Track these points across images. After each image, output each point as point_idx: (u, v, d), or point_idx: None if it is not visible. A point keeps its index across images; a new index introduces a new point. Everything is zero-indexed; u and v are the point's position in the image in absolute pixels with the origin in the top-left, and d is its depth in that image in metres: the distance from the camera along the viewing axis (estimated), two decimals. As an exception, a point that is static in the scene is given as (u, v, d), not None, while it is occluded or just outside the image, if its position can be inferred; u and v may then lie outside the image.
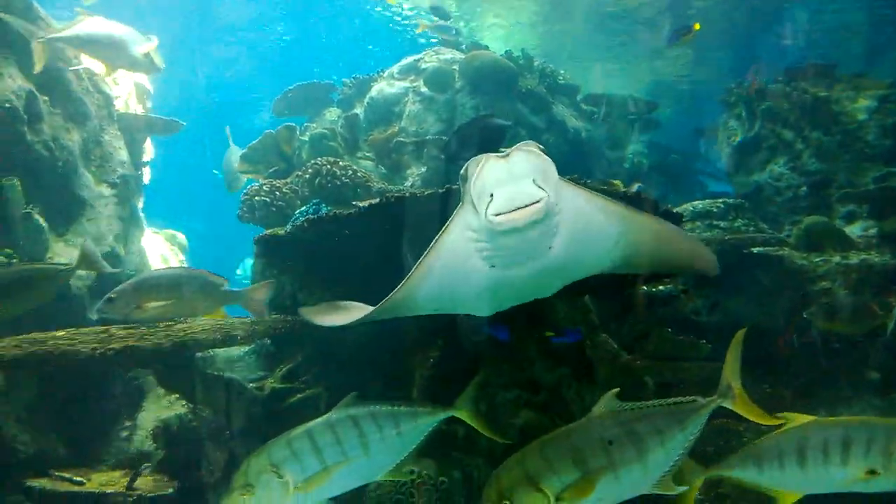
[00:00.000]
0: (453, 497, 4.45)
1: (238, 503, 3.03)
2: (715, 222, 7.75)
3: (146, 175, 10.20)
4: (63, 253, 6.63)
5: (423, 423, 3.47)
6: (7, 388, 5.51)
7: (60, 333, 3.93)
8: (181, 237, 11.62)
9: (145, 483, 5.47)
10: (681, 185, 13.00)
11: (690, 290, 6.49)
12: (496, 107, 8.70)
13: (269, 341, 6.32)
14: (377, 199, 3.81)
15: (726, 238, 6.97)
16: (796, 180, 9.04)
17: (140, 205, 9.55)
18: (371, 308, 3.13)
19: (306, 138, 8.62)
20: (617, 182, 5.63)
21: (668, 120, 15.23)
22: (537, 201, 2.18)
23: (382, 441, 3.30)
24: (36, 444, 5.88)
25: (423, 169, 7.69)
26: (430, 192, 3.84)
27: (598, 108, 10.73)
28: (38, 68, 6.21)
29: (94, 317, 5.49)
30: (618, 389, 3.19)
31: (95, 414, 6.76)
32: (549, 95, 9.70)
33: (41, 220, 6.08)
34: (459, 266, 2.49)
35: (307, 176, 6.77)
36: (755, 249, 7.04)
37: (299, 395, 5.26)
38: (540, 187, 2.19)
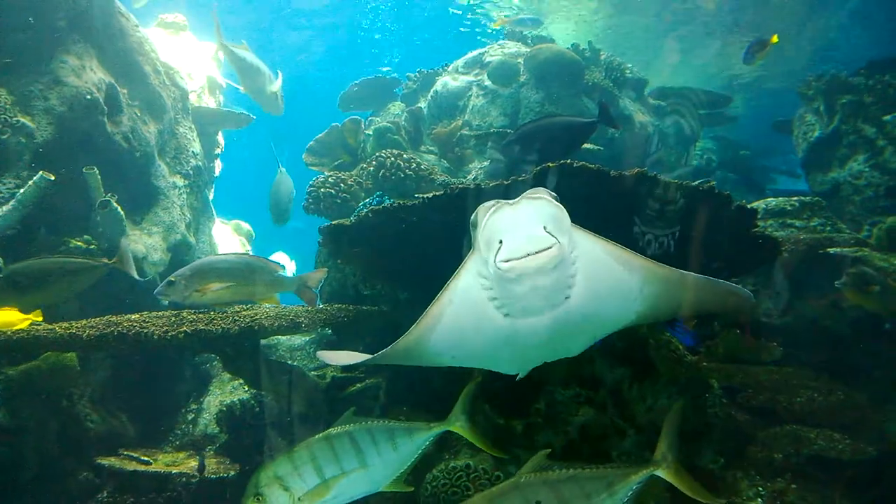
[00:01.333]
0: (508, 492, 4.39)
1: None
2: (789, 221, 7.40)
3: (217, 167, 10.56)
4: (139, 240, 6.91)
5: (418, 437, 3.60)
6: (82, 369, 5.79)
7: (134, 317, 4.10)
8: (247, 227, 11.97)
9: (209, 464, 5.65)
10: (752, 183, 12.50)
11: (761, 291, 6.21)
12: (561, 101, 8.56)
13: (329, 331, 6.43)
14: (442, 191, 3.79)
15: (801, 238, 6.64)
16: (877, 178, 8.54)
17: (211, 195, 9.89)
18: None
19: (371, 132, 8.71)
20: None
21: (743, 115, 14.65)
22: (548, 248, 2.11)
23: (378, 455, 3.47)
24: (106, 423, 6.17)
25: (486, 163, 7.64)
26: (494, 183, 3.79)
27: (667, 102, 10.41)
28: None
29: (165, 301, 5.73)
30: (548, 451, 3.25)
31: (163, 397, 7.05)
32: (616, 89, 9.47)
33: (119, 209, 6.33)
34: (472, 313, 2.42)
35: (371, 168, 6.84)
36: (832, 250, 6.67)
37: (359, 385, 5.32)
38: (551, 234, 2.12)
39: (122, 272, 4.98)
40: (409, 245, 4.49)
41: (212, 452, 6.07)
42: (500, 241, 2.12)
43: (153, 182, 7.54)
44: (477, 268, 2.31)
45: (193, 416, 6.95)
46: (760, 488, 4.63)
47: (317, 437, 3.46)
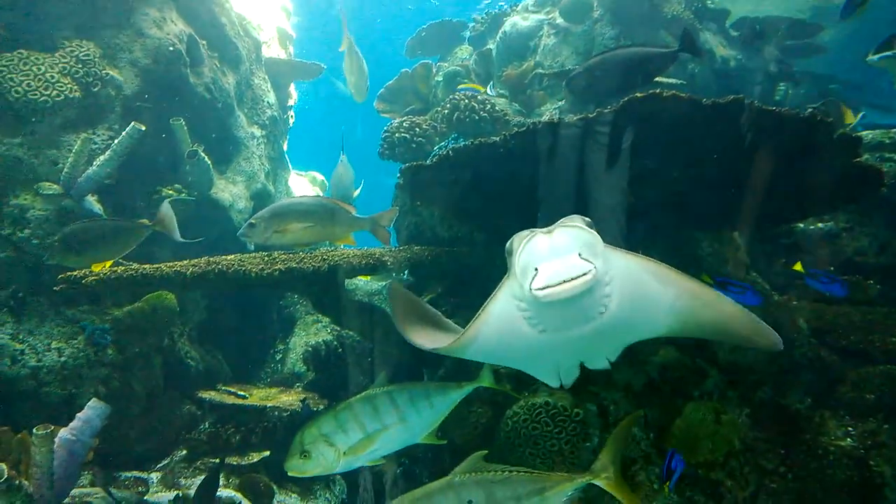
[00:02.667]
0: (588, 428, 4.46)
1: (298, 465, 3.50)
2: (888, 155, 6.93)
3: (290, 118, 10.76)
4: (225, 189, 7.19)
5: (452, 394, 3.88)
6: (182, 310, 6.17)
7: (231, 257, 4.31)
8: (321, 178, 12.22)
9: (296, 399, 5.98)
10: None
11: (856, 228, 5.90)
12: (638, 36, 8.18)
13: (406, 275, 6.57)
14: (523, 127, 3.73)
15: (902, 172, 6.21)
16: None
17: (285, 147, 10.12)
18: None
19: (440, 77, 8.63)
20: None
21: (834, 44, 13.59)
22: (583, 274, 2.17)
23: (416, 412, 3.72)
24: (204, 361, 6.59)
25: (560, 103, 7.46)
26: (578, 117, 3.70)
27: (750, 33, 9.77)
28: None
29: (249, 244, 5.98)
30: (485, 452, 3.37)
31: (253, 338, 7.46)
32: (697, 21, 8.96)
33: (207, 158, 6.57)
34: (508, 331, 2.53)
35: (445, 111, 6.81)
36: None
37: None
38: (587, 260, 2.18)
39: (163, 234, 5.20)
40: (488, 184, 4.49)
41: (300, 389, 6.41)
42: (536, 269, 2.20)
43: (234, 132, 7.77)
44: (513, 291, 2.41)
45: (281, 356, 7.33)
46: (850, 428, 4.53)
47: (357, 397, 3.70)
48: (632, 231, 4.33)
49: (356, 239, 5.10)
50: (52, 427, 3.89)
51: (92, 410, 4.21)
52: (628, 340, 2.76)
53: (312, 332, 7.44)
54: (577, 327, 2.41)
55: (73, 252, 4.67)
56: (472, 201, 4.71)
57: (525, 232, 2.29)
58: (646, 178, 4.19)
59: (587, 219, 2.34)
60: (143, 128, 5.58)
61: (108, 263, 4.60)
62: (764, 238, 5.64)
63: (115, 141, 5.58)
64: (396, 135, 6.98)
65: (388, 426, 3.61)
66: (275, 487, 5.31)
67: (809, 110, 3.73)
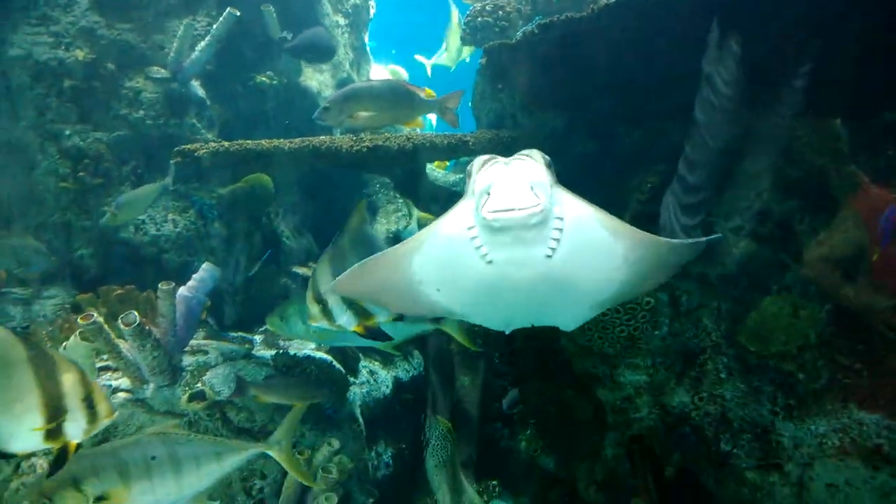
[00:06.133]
0: (658, 316, 4.56)
1: None
2: None
3: (371, 8, 10.66)
4: (312, 78, 7.41)
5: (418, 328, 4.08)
6: (276, 192, 6.60)
7: (322, 137, 4.57)
8: (403, 73, 12.21)
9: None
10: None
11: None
12: None
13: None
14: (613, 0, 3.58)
15: None
16: None
17: (366, 38, 10.13)
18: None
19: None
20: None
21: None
22: (531, 206, 2.23)
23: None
24: (297, 240, 7.08)
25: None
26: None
27: None
28: None
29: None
30: (175, 423, 3.67)
31: (340, 222, 7.86)
32: None
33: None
34: (456, 250, 2.51)
35: (529, -8, 6.60)
36: None
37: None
38: (536, 195, 2.24)
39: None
40: (573, 65, 4.42)
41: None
42: (489, 194, 2.27)
43: (320, 20, 7.85)
44: (467, 210, 2.44)
45: (365, 241, 7.74)
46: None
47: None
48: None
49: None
50: (174, 284, 4.42)
51: (205, 272, 4.71)
52: (578, 300, 2.73)
53: (393, 220, 7.79)
54: (525, 267, 2.43)
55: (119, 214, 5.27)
56: (554, 84, 4.68)
57: (485, 156, 2.39)
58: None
59: (547, 157, 2.42)
60: (238, 13, 5.79)
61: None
62: (868, 127, 5.27)
63: (214, 27, 5.83)
64: (479, 19, 6.86)
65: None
66: (360, 354, 5.83)
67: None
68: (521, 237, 2.33)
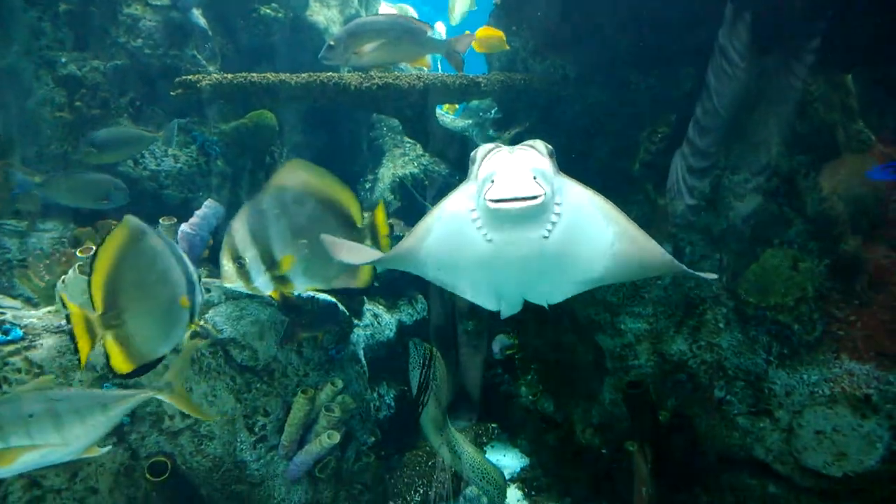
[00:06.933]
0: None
1: None
2: None
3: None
4: (319, 12, 7.21)
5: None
6: (280, 130, 6.50)
7: (329, 73, 4.46)
8: (412, 11, 11.91)
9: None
10: None
11: None
12: None
13: (493, 113, 6.58)
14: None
15: None
16: None
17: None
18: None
19: None
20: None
21: None
22: (533, 196, 2.33)
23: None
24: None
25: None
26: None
27: None
28: None
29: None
30: (51, 378, 3.48)
31: (345, 167, 7.80)
32: None
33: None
34: (458, 231, 2.63)
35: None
36: None
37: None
38: (539, 184, 2.34)
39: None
40: (586, 10, 4.33)
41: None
42: (493, 181, 2.37)
43: (326, -46, 7.61)
44: (469, 194, 2.56)
45: (370, 184, 7.69)
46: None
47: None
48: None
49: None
50: (175, 219, 4.38)
51: (208, 209, 4.65)
52: (569, 278, 2.85)
53: (400, 164, 7.70)
54: (523, 246, 2.55)
55: (96, 153, 5.07)
56: (569, 28, 4.58)
57: (490, 145, 2.49)
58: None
59: (549, 146, 2.52)
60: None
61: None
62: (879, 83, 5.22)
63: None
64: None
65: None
66: (364, 298, 5.87)
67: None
68: (521, 222, 2.46)
